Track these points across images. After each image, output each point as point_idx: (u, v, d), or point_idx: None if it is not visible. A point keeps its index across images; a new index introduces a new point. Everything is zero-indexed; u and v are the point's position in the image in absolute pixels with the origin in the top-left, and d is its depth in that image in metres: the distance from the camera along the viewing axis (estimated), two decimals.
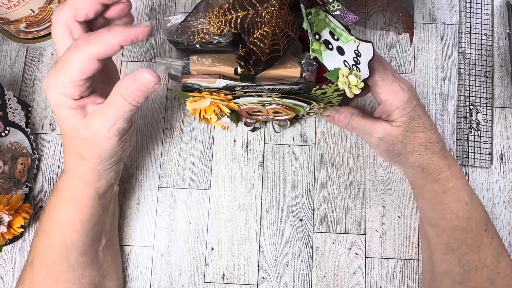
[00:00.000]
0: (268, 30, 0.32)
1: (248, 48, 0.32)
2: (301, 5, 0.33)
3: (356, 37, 0.33)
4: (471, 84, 0.48)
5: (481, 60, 0.49)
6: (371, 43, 0.32)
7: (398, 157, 0.38)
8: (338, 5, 0.33)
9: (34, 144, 0.46)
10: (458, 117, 0.48)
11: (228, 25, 0.32)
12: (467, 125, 0.47)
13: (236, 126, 0.47)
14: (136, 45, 0.50)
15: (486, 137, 0.47)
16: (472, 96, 0.48)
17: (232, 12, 0.32)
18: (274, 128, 0.47)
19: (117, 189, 0.41)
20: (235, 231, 0.46)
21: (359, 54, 0.33)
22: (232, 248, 0.45)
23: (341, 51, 0.34)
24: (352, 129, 0.40)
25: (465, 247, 0.37)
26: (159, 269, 0.45)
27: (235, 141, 0.47)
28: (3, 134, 0.40)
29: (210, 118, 0.39)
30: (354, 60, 0.34)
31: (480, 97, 0.48)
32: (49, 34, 0.49)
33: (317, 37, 0.35)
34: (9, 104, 0.43)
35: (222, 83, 0.36)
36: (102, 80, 0.34)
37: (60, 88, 0.30)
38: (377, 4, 0.38)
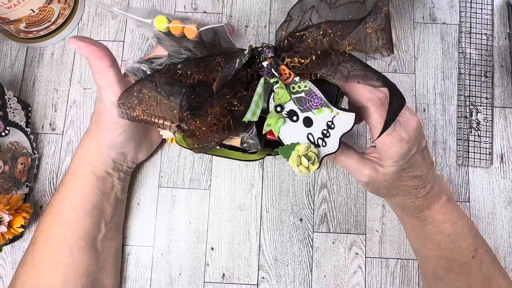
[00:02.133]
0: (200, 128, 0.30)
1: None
2: (262, 78, 0.30)
3: (338, 107, 0.30)
4: (471, 84, 0.48)
5: (481, 60, 0.49)
6: (353, 114, 0.29)
7: (380, 195, 0.38)
8: (305, 86, 0.30)
9: (34, 144, 0.46)
10: (458, 117, 0.48)
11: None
12: (467, 125, 0.47)
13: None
14: (136, 44, 0.50)
15: (486, 137, 0.47)
16: (472, 96, 0.48)
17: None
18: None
19: (118, 184, 0.42)
20: (235, 231, 0.46)
21: (332, 126, 0.30)
22: (232, 248, 0.45)
23: (308, 122, 0.30)
24: (338, 164, 0.37)
25: (452, 275, 0.37)
26: (159, 269, 0.45)
27: None
28: (3, 134, 0.40)
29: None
30: (322, 133, 0.30)
31: (480, 97, 0.48)
32: (49, 34, 0.49)
33: (278, 109, 0.30)
34: (9, 104, 0.43)
35: (165, 133, 0.36)
36: None
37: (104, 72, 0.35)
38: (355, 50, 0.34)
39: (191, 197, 0.46)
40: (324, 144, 0.30)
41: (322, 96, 0.30)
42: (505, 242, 0.45)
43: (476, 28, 0.50)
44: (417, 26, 0.50)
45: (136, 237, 0.46)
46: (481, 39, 0.50)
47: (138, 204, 0.46)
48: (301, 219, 0.46)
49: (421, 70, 0.49)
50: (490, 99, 0.48)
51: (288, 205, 0.46)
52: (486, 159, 0.47)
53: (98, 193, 0.40)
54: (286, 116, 0.31)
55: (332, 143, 0.30)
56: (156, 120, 0.33)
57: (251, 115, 0.29)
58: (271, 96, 0.30)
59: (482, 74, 0.49)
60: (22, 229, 0.41)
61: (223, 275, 0.45)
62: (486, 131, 0.47)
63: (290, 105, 0.31)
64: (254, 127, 0.32)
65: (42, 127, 0.48)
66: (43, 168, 0.47)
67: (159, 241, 0.45)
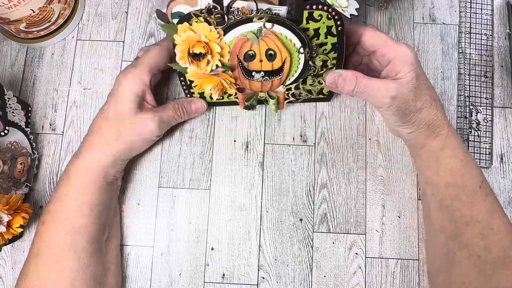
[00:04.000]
0: None
1: None
2: None
3: None
4: (471, 84, 0.48)
5: (481, 60, 0.49)
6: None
7: (408, 117, 0.38)
8: None
9: (34, 144, 0.46)
10: (458, 117, 0.48)
11: None
12: (467, 125, 0.47)
13: (226, 70, 0.42)
14: (136, 44, 0.50)
15: (486, 137, 0.47)
16: (472, 96, 0.48)
17: None
18: (269, 105, 0.45)
19: (120, 183, 0.44)
20: (235, 231, 0.46)
21: None
22: (232, 248, 0.45)
23: None
24: (359, 95, 0.38)
25: (457, 203, 0.38)
26: (159, 269, 0.45)
27: (235, 141, 0.47)
28: (2, 133, 0.40)
29: (200, 55, 0.37)
30: None
31: (480, 97, 0.48)
32: (49, 34, 0.49)
33: None
34: (9, 104, 0.43)
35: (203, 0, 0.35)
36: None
37: (138, 73, 0.39)
38: None
39: (191, 197, 0.46)
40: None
41: None
42: None
43: (476, 28, 0.50)
44: (416, 26, 0.50)
45: (136, 237, 0.46)
46: (481, 39, 0.50)
47: (138, 204, 0.46)
48: (301, 219, 0.46)
49: None
50: (490, 99, 0.48)
51: (288, 205, 0.46)
52: (486, 159, 0.47)
53: (106, 197, 0.40)
54: None
55: (351, 10, 0.34)
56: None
57: None
58: None
59: (482, 74, 0.49)
60: (22, 229, 0.41)
61: (223, 275, 0.45)
62: (486, 131, 0.47)
63: None
64: None
65: (42, 127, 0.48)
66: (43, 168, 0.47)
67: (159, 241, 0.45)
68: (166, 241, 0.45)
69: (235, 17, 0.35)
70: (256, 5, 0.35)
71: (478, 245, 0.36)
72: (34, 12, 0.44)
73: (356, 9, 0.34)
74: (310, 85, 0.43)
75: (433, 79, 0.49)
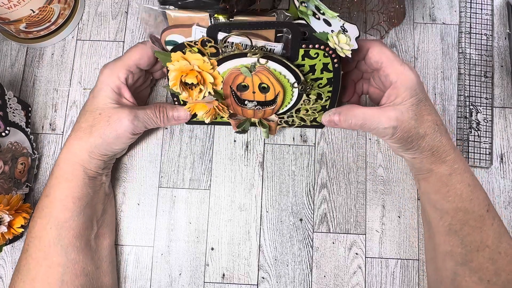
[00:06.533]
0: None
1: None
2: None
3: (340, 17, 0.32)
4: (471, 84, 0.48)
5: (481, 60, 0.49)
6: (355, 25, 0.32)
7: (411, 144, 0.38)
8: None
9: (34, 144, 0.46)
10: (458, 117, 0.48)
11: None
12: (467, 125, 0.47)
13: (218, 104, 0.43)
14: (136, 43, 0.50)
15: (486, 137, 0.47)
16: (472, 96, 0.48)
17: None
18: (261, 130, 0.46)
19: (106, 180, 0.43)
20: (235, 231, 0.46)
21: (345, 30, 0.33)
22: (232, 248, 0.45)
23: (327, 23, 0.34)
24: (360, 127, 0.39)
25: (467, 228, 0.38)
26: (159, 269, 0.45)
27: (235, 141, 0.47)
28: (3, 134, 0.40)
29: (192, 84, 0.37)
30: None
31: (480, 97, 0.48)
32: (49, 34, 0.49)
33: (304, 4, 0.34)
34: (9, 104, 0.43)
35: (198, 31, 0.35)
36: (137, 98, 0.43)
37: (114, 68, 0.39)
38: (359, 5, 0.38)
39: (191, 197, 0.46)
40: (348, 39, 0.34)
41: None
42: None
43: (476, 28, 0.50)
44: (417, 26, 0.50)
45: (136, 237, 0.46)
46: (481, 39, 0.50)
47: (138, 204, 0.46)
48: (301, 219, 0.46)
49: (421, 70, 0.49)
50: (490, 99, 0.48)
51: (288, 205, 0.46)
52: (486, 159, 0.47)
53: (89, 192, 0.40)
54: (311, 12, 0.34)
55: (352, 42, 0.33)
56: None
57: None
58: None
59: (482, 74, 0.49)
60: (22, 229, 0.41)
61: (223, 275, 0.45)
62: (486, 131, 0.47)
63: (310, 7, 0.34)
64: None
65: (42, 127, 0.48)
66: (43, 168, 0.47)
67: (159, 241, 0.45)
68: (166, 241, 0.45)
69: (229, 51, 0.35)
70: (251, 41, 0.34)
71: (488, 270, 0.37)
72: (34, 12, 0.44)
73: (356, 38, 0.33)
74: (304, 115, 0.43)
75: (433, 79, 0.49)
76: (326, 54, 0.36)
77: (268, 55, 0.35)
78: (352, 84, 0.45)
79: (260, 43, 0.35)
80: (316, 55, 0.36)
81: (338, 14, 0.32)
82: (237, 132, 0.46)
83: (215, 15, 0.34)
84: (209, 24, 0.35)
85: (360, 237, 0.45)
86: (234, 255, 0.45)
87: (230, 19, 0.35)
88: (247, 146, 0.47)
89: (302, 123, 0.45)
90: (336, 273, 0.45)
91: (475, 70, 0.49)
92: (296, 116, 0.43)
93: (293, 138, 0.47)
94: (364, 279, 0.45)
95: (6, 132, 0.40)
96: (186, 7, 0.35)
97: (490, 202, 0.39)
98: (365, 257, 0.45)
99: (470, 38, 0.50)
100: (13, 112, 0.44)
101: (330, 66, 0.37)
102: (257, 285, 0.45)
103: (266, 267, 0.45)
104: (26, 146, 0.45)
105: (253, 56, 0.35)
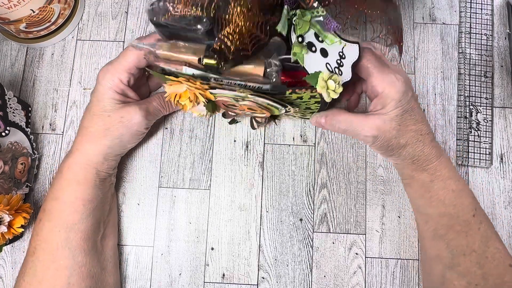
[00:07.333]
0: (235, 30, 0.31)
1: (220, 42, 0.31)
2: (285, 6, 0.32)
3: (342, 38, 0.32)
4: (471, 84, 0.48)
5: (481, 60, 0.49)
6: (357, 44, 0.32)
7: (391, 152, 0.39)
8: (323, 11, 0.33)
9: (34, 144, 0.46)
10: (458, 117, 0.48)
11: (200, 10, 0.31)
12: (467, 125, 0.48)
13: (210, 116, 0.46)
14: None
15: (486, 137, 0.47)
16: (472, 96, 0.48)
17: None
18: (251, 125, 0.47)
19: (114, 180, 0.44)
20: (235, 231, 0.46)
21: (343, 56, 0.33)
22: (232, 248, 0.45)
23: (324, 53, 0.34)
24: (344, 132, 0.39)
25: (452, 233, 0.38)
26: (159, 269, 0.45)
27: (235, 141, 0.47)
28: (3, 134, 0.40)
29: (185, 104, 0.37)
30: (337, 63, 0.34)
31: (480, 97, 0.48)
32: (49, 34, 0.49)
33: (300, 39, 0.33)
34: (9, 104, 0.43)
35: (188, 70, 0.35)
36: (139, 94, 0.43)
37: (115, 72, 0.39)
38: (368, 15, 0.37)
39: (191, 197, 0.46)
40: (340, 73, 0.34)
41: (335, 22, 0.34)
42: (505, 242, 0.45)
43: (476, 28, 0.50)
44: (417, 26, 0.50)
45: (136, 237, 0.46)
46: (481, 39, 0.50)
47: (138, 204, 0.46)
48: (301, 219, 0.46)
49: (421, 70, 0.49)
50: (490, 99, 0.48)
51: (288, 205, 0.46)
52: (485, 159, 0.47)
53: (99, 194, 0.40)
54: (306, 47, 0.34)
55: (346, 72, 0.34)
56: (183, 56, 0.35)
57: (281, 27, 0.32)
58: (292, 30, 0.33)
59: (482, 74, 0.49)
60: (22, 229, 0.41)
61: (223, 275, 0.45)
62: (486, 131, 0.47)
63: (309, 37, 0.34)
64: (282, 49, 0.35)
65: (42, 127, 0.48)
66: (43, 168, 0.47)
67: (159, 241, 0.45)
68: (166, 241, 0.45)
69: (219, 84, 0.35)
70: (240, 82, 0.34)
71: (476, 274, 0.37)
72: (34, 12, 0.44)
73: (353, 63, 0.33)
74: (293, 116, 0.44)
75: (433, 79, 0.49)
76: (313, 92, 0.36)
77: (255, 92, 0.35)
78: (351, 84, 0.45)
79: (249, 83, 0.35)
80: (303, 92, 0.36)
81: (338, 39, 0.32)
82: (229, 123, 0.47)
83: (205, 61, 0.34)
84: (198, 66, 0.35)
85: (360, 237, 0.45)
86: (234, 255, 0.45)
87: (219, 71, 0.34)
88: (247, 146, 0.47)
89: (292, 117, 0.46)
90: (336, 273, 0.45)
91: (475, 70, 0.49)
92: (286, 116, 0.44)
93: (293, 138, 0.47)
94: (364, 279, 0.45)
95: (6, 132, 0.40)
96: (174, 34, 0.35)
97: (478, 206, 0.39)
98: (365, 257, 0.45)
99: (470, 38, 0.50)
100: (13, 112, 0.44)
101: (317, 97, 0.37)
102: (257, 285, 0.45)
103: (266, 267, 0.45)
104: (26, 146, 0.45)
105: (241, 93, 0.35)
